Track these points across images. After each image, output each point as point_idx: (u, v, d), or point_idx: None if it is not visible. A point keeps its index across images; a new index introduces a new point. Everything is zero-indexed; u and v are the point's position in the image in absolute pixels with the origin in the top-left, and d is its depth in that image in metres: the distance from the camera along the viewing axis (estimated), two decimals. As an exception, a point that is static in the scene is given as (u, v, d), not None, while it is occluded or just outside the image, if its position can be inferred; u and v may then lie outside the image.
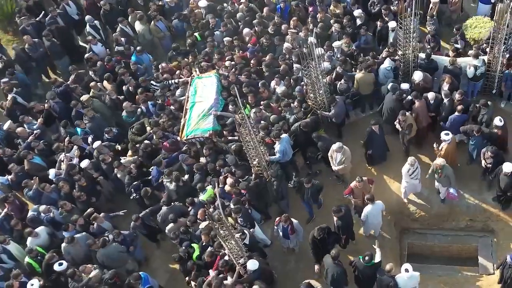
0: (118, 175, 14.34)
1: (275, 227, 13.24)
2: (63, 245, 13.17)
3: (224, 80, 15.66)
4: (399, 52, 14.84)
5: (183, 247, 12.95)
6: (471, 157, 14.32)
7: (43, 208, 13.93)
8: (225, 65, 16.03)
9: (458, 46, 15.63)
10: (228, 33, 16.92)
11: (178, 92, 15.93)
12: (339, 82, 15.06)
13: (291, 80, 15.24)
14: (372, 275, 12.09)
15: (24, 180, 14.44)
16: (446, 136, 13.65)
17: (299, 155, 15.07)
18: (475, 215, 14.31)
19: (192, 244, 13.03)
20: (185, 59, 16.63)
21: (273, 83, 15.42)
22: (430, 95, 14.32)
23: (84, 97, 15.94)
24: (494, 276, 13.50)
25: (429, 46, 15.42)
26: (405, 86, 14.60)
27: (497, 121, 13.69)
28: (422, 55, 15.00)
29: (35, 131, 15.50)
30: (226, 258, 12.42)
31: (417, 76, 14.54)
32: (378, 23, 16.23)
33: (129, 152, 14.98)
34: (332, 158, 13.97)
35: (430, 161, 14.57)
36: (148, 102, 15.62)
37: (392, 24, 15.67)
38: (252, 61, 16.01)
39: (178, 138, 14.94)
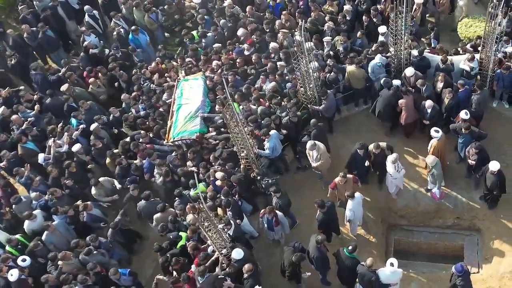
0: (94, 192, 14.22)
1: (260, 218, 13.36)
2: (43, 236, 13.39)
3: (210, 81, 15.72)
4: (391, 49, 14.88)
5: (171, 237, 13.08)
6: (460, 155, 14.32)
7: (34, 195, 14.17)
8: (212, 67, 16.07)
9: (432, 45, 15.67)
10: (219, 38, 17.00)
11: (164, 96, 15.97)
12: (329, 74, 15.13)
13: (277, 76, 15.31)
14: (353, 267, 12.17)
15: (15, 168, 14.70)
16: (436, 133, 13.67)
17: (289, 149, 15.20)
18: (462, 213, 14.34)
19: (180, 233, 13.17)
20: (172, 62, 16.79)
21: (259, 82, 15.47)
22: (428, 103, 14.13)
23: (63, 87, 16.20)
24: (478, 275, 13.60)
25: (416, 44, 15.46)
26: (396, 82, 14.62)
27: (463, 114, 13.70)
28: (415, 52, 15.00)
29: (29, 119, 15.74)
30: (210, 248, 12.58)
31: (409, 71, 14.55)
32: (364, 17, 16.23)
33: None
34: (310, 155, 14.04)
35: (417, 156, 14.82)
36: (139, 105, 15.76)
37: (382, 29, 15.65)
38: (238, 60, 16.04)
39: (164, 141, 14.98)
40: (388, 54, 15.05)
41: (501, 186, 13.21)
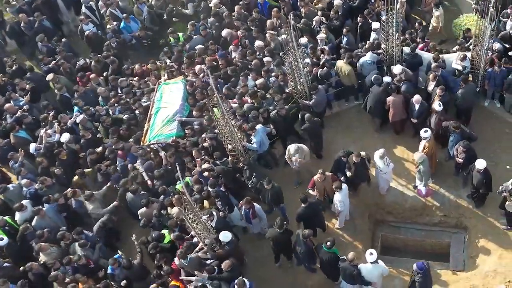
0: (89, 208, 13.85)
1: (239, 210, 13.44)
2: (33, 222, 13.56)
3: (189, 86, 15.72)
4: (382, 46, 14.89)
5: (153, 235, 13.01)
6: (450, 153, 14.29)
7: (24, 182, 14.34)
8: (194, 71, 16.08)
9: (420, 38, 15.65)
10: (208, 37, 16.99)
11: (144, 99, 15.98)
12: (321, 69, 15.15)
13: (263, 73, 15.34)
14: (333, 262, 12.25)
15: (10, 153, 14.92)
16: (425, 133, 13.65)
17: (279, 143, 15.27)
18: (449, 211, 14.31)
19: (163, 231, 13.17)
20: (156, 63, 16.80)
21: (240, 82, 15.48)
22: (415, 98, 14.13)
23: (49, 76, 16.43)
24: (463, 273, 13.61)
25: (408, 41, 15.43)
26: (386, 79, 14.63)
27: (436, 105, 13.72)
28: (407, 50, 14.99)
29: (24, 106, 15.97)
30: (196, 240, 12.66)
31: (397, 69, 14.54)
32: (359, 19, 16.19)
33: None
34: (291, 160, 14.07)
35: (406, 153, 14.89)
36: (116, 107, 15.77)
37: (375, 24, 15.61)
38: (220, 62, 16.05)
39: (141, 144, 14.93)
40: (380, 51, 15.05)
41: (487, 185, 13.18)
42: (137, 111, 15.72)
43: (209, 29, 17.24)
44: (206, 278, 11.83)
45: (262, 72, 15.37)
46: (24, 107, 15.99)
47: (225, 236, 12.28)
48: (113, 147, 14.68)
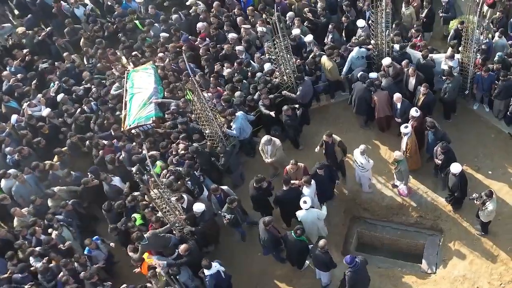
0: (50, 204, 13.71)
1: (209, 200, 13.46)
2: (13, 187, 13.78)
3: (161, 71, 15.82)
4: (372, 41, 14.78)
5: (122, 222, 12.93)
6: (430, 154, 14.14)
7: (8, 150, 14.71)
8: (160, 57, 16.15)
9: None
10: (167, 28, 17.00)
11: (114, 86, 16.01)
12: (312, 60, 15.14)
13: (235, 64, 15.36)
14: (302, 249, 12.30)
15: None
16: (405, 129, 13.52)
17: (263, 131, 15.28)
18: (426, 212, 14.16)
19: (134, 214, 13.18)
20: (116, 54, 16.83)
21: (216, 67, 15.51)
22: (396, 97, 14.01)
23: (20, 29, 17.01)
24: (432, 276, 13.51)
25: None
26: (373, 75, 14.53)
27: (413, 111, 13.56)
28: (397, 47, 14.86)
29: (18, 75, 16.40)
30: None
31: (386, 61, 14.44)
32: (344, 19, 16.12)
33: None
34: (263, 151, 14.03)
35: (388, 151, 14.86)
36: (92, 102, 15.77)
37: (360, 23, 15.51)
38: (183, 48, 16.05)
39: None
40: (369, 46, 14.95)
41: (462, 189, 13.04)
42: (110, 104, 15.69)
43: (171, 22, 17.22)
44: (165, 265, 11.92)
45: (236, 63, 15.36)
46: (18, 76, 16.34)
47: (199, 206, 12.42)
48: (113, 133, 14.72)
